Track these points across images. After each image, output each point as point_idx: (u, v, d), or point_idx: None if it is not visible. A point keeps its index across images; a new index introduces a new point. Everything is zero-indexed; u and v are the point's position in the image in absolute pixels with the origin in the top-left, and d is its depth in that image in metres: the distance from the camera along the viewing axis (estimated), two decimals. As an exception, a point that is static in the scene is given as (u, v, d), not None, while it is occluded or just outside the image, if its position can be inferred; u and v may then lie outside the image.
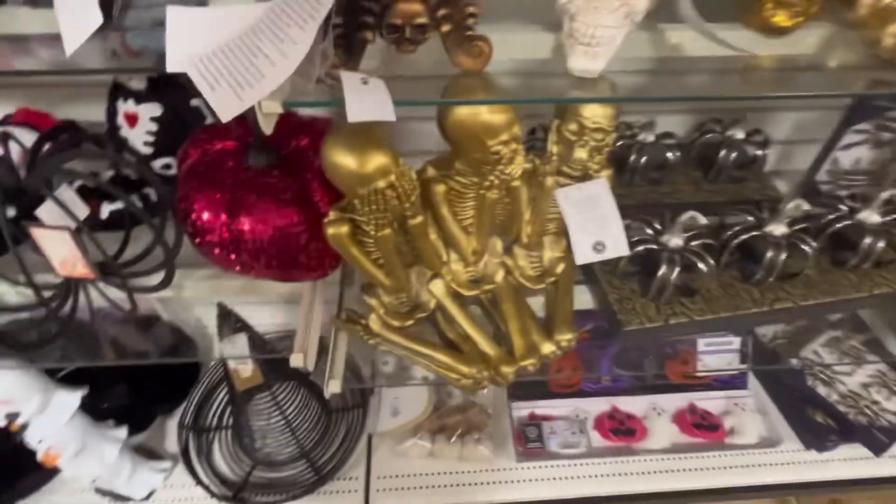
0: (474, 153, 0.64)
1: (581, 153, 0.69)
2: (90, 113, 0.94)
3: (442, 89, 0.59)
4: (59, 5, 0.52)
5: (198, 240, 0.76)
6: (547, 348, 0.81)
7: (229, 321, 1.02)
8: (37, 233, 0.72)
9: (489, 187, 0.68)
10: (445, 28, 0.51)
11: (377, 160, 0.58)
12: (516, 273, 0.88)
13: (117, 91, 0.92)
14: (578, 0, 0.54)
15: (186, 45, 0.48)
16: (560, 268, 0.89)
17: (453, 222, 0.72)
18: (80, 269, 0.77)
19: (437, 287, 0.82)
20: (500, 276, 0.85)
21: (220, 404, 1.19)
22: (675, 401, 1.18)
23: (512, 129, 0.62)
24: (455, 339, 0.83)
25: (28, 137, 0.85)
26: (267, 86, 0.47)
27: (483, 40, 0.54)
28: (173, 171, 0.93)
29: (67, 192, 0.73)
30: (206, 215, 0.75)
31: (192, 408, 1.17)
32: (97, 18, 0.50)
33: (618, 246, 0.75)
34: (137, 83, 0.90)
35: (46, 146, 0.73)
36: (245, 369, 1.08)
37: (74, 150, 0.71)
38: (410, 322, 0.84)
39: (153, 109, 0.90)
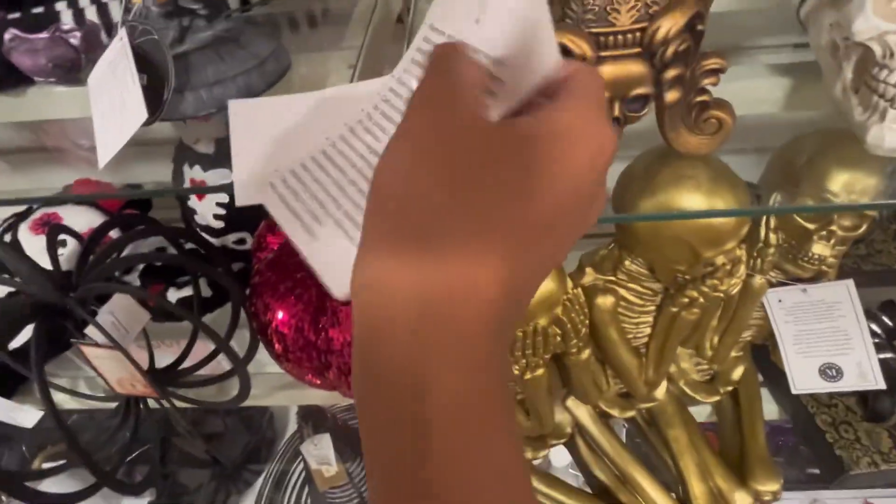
0: (676, 264, 0.43)
1: (821, 248, 0.47)
2: (157, 173, 0.81)
3: (628, 172, 0.39)
4: (94, 94, 0.36)
5: (277, 351, 0.60)
6: (743, 501, 0.58)
7: (311, 420, 0.87)
8: (88, 351, 0.58)
9: (687, 305, 0.46)
10: (673, 96, 0.31)
11: (539, 290, 0.39)
12: (679, 380, 0.66)
13: (183, 154, 0.78)
14: (892, 35, 0.32)
15: (260, 158, 0.31)
16: (738, 371, 0.66)
17: (622, 344, 0.51)
18: (140, 388, 0.62)
19: (579, 408, 0.61)
20: (661, 389, 0.63)
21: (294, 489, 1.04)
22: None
23: (740, 233, 0.40)
24: (605, 481, 0.62)
25: (85, 219, 0.73)
26: None
27: (723, 109, 0.33)
28: (248, 245, 0.78)
29: (123, 300, 0.59)
30: (286, 324, 0.58)
31: (266, 492, 1.03)
32: (139, 115, 0.33)
33: (864, 374, 0.51)
34: (205, 146, 0.75)
35: (93, 254, 0.59)
36: (329, 469, 0.92)
37: (123, 259, 0.56)
38: (542, 454, 0.63)
39: (223, 176, 0.75)
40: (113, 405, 0.69)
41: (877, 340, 0.64)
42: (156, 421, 0.72)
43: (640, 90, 0.30)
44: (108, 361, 0.59)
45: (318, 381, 0.61)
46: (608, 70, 0.29)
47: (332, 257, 0.28)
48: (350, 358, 0.60)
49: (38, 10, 0.49)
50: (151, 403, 0.69)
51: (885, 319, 0.65)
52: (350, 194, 0.29)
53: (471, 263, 0.18)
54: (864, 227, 0.46)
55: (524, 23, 0.23)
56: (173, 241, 0.67)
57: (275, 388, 0.75)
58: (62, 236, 0.65)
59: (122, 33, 0.36)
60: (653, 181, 0.39)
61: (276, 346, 0.59)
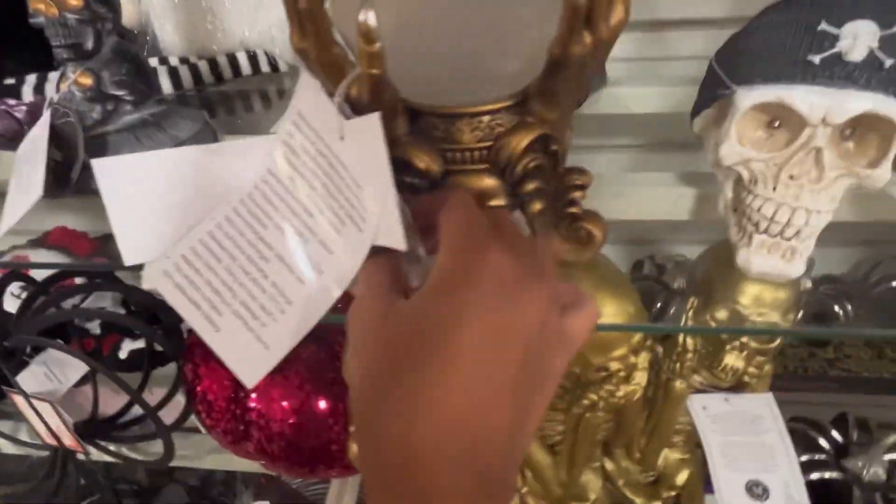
0: (571, 365, 0.42)
1: (734, 359, 0.46)
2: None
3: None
4: (17, 166, 0.38)
5: (201, 416, 0.60)
6: None
7: (253, 485, 0.84)
8: (16, 399, 0.59)
9: (589, 407, 0.45)
10: (536, 207, 0.32)
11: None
12: (618, 479, 0.63)
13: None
14: (757, 162, 0.33)
15: (149, 235, 0.31)
16: (683, 476, 0.63)
17: (534, 440, 0.50)
18: (67, 440, 0.63)
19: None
20: (596, 486, 0.61)
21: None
22: None
23: (630, 341, 0.40)
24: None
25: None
26: (298, 328, 0.29)
27: (594, 221, 0.34)
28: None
29: (58, 352, 0.60)
30: (210, 390, 0.58)
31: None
32: (37, 191, 0.35)
33: (790, 493, 0.48)
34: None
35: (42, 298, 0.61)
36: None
37: (58, 313, 0.58)
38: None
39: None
40: (46, 454, 0.69)
41: (823, 457, 0.60)
42: (85, 475, 0.71)
43: (494, 202, 0.31)
44: (39, 411, 0.60)
45: (238, 451, 0.60)
46: (461, 183, 0.30)
47: (237, 349, 0.27)
48: (267, 429, 0.59)
49: (10, 81, 0.54)
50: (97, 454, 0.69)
51: (835, 435, 0.62)
52: (244, 283, 0.29)
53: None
54: (778, 341, 0.45)
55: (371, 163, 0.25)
56: (126, 295, 0.69)
57: (213, 449, 0.74)
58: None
59: (46, 113, 0.39)
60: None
61: (201, 410, 0.59)
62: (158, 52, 0.58)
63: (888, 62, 0.28)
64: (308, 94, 0.28)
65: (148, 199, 0.30)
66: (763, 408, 0.48)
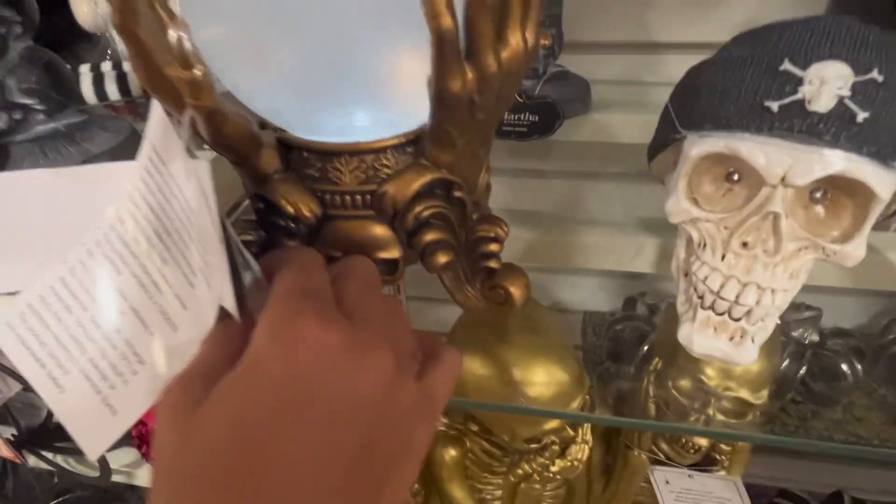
0: (501, 433, 0.37)
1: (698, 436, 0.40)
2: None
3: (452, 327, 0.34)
4: None
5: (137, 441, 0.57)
6: None
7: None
8: (-49, 408, 0.57)
9: (524, 477, 0.40)
10: (440, 260, 0.27)
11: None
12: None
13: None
14: (706, 223, 0.27)
15: None
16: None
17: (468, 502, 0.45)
18: (4, 451, 0.60)
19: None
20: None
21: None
22: None
23: (570, 407, 0.35)
24: None
25: None
26: (149, 391, 0.25)
27: (513, 279, 0.29)
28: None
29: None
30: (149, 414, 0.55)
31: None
32: None
33: (758, 593, 0.42)
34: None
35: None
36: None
37: None
38: None
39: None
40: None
41: (810, 542, 0.53)
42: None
43: (383, 254, 0.26)
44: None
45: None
46: (341, 230, 0.26)
47: (82, 414, 0.24)
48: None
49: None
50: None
51: (827, 516, 0.55)
52: (94, 338, 0.26)
53: None
54: (749, 416, 0.39)
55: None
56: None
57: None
58: None
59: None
60: (472, 342, 0.35)
61: (134, 435, 0.56)
62: (117, 55, 0.56)
63: (861, 115, 0.22)
64: (159, 125, 0.24)
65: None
66: (731, 491, 0.42)
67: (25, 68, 0.37)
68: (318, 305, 0.19)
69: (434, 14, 0.18)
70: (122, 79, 0.54)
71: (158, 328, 0.26)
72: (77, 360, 0.24)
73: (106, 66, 0.56)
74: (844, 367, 0.65)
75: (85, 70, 0.56)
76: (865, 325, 0.75)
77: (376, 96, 0.23)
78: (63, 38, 0.57)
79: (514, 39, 0.21)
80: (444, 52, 0.19)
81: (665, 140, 0.30)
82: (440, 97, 0.21)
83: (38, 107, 0.38)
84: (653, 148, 0.32)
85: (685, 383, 0.39)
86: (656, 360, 0.43)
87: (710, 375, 0.38)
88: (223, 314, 0.25)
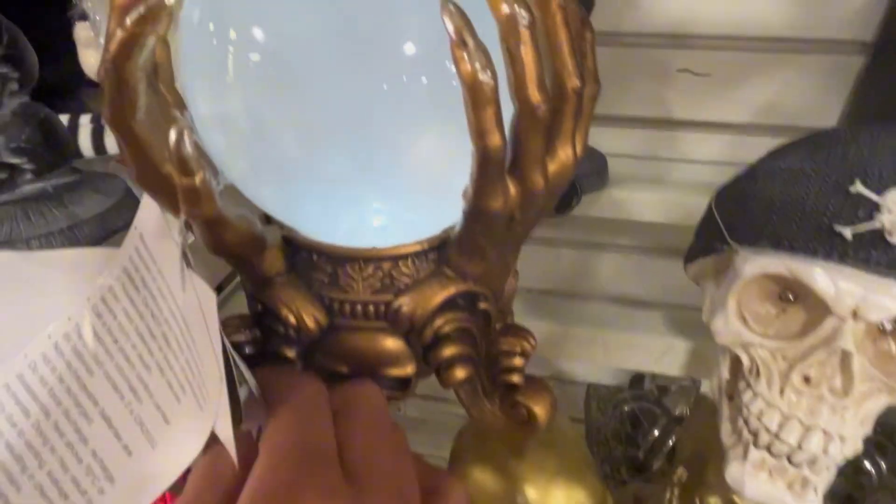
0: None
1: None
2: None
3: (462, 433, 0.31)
4: None
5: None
6: None
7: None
8: None
9: None
10: (458, 375, 0.24)
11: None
12: None
13: None
14: (760, 349, 0.24)
15: None
16: None
17: None
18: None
19: None
20: None
21: None
22: None
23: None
24: None
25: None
26: None
27: (536, 396, 0.26)
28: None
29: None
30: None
31: None
32: None
33: None
34: None
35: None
36: None
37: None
38: None
39: None
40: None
41: None
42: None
43: (395, 370, 0.23)
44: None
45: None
46: (349, 342, 0.23)
47: None
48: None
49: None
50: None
51: None
52: (55, 447, 0.22)
53: None
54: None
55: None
56: None
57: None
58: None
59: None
60: (481, 455, 0.31)
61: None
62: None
63: (950, 252, 0.19)
64: (150, 219, 0.21)
65: None
66: None
67: (18, 126, 0.35)
68: (320, 472, 0.15)
69: (481, 131, 0.15)
70: (122, 132, 0.52)
71: (133, 441, 0.23)
72: (33, 474, 0.21)
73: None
74: (867, 464, 0.61)
75: (85, 121, 0.54)
76: (883, 417, 0.72)
77: (397, 197, 0.21)
78: (68, 82, 0.56)
79: (564, 153, 0.18)
80: (488, 171, 0.17)
81: (709, 247, 0.27)
82: (476, 212, 0.18)
83: (28, 166, 0.36)
84: (692, 252, 0.29)
85: (714, 502, 0.35)
86: (681, 470, 0.39)
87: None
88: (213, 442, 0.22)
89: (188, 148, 0.16)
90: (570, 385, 0.74)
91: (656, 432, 0.64)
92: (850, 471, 0.59)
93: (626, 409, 0.71)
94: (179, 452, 0.22)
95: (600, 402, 0.74)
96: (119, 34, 0.15)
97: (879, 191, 0.21)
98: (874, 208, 0.21)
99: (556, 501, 0.30)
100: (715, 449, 0.36)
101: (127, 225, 0.39)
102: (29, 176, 0.36)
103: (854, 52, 0.51)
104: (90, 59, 0.52)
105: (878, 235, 0.20)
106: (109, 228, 0.38)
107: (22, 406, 0.21)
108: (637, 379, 0.73)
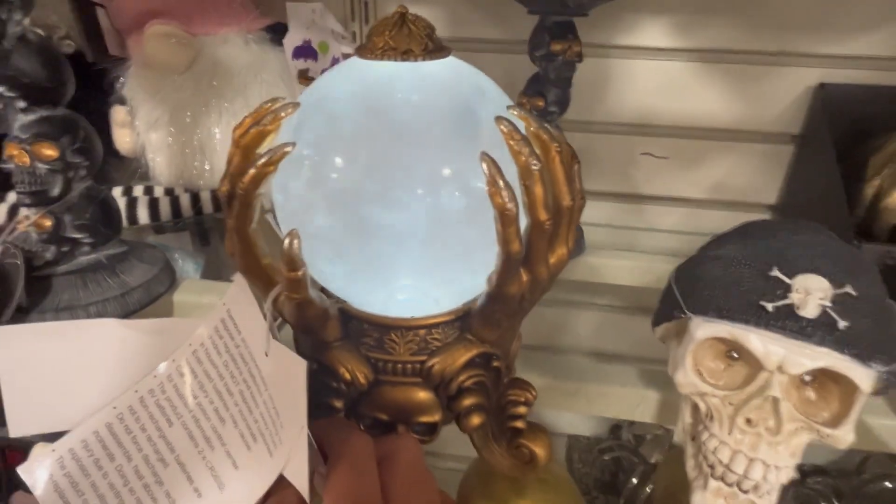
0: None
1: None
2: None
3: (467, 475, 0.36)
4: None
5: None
6: None
7: None
8: None
9: None
10: (476, 421, 0.29)
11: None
12: None
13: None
14: (713, 398, 0.31)
15: (42, 409, 0.28)
16: None
17: None
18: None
19: None
20: None
21: None
22: None
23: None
24: None
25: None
26: None
27: (537, 439, 0.31)
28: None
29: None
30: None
31: None
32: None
33: None
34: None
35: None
36: None
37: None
38: None
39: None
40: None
41: None
42: None
43: (425, 418, 0.29)
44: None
45: None
46: (389, 394, 0.28)
47: None
48: None
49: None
50: None
51: None
52: (134, 489, 0.25)
53: None
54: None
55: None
56: None
57: None
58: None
59: (-4, 251, 0.38)
60: (487, 492, 0.36)
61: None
62: (148, 178, 0.59)
63: (842, 323, 0.26)
64: (240, 296, 0.27)
65: (44, 372, 0.28)
66: None
67: (82, 206, 0.40)
68: None
69: (507, 241, 0.22)
70: (153, 204, 0.58)
71: (204, 484, 0.27)
72: None
73: (138, 191, 0.60)
74: (825, 506, 0.66)
75: (117, 193, 0.59)
76: (839, 462, 0.78)
77: (434, 284, 0.27)
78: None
79: (561, 250, 0.25)
80: (510, 267, 0.23)
81: (670, 314, 0.34)
82: (497, 295, 0.25)
83: (87, 240, 0.41)
84: (658, 317, 0.36)
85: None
86: (657, 507, 0.44)
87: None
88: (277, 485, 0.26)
89: (296, 250, 0.22)
90: (552, 436, 0.79)
91: (634, 480, 0.69)
92: (810, 513, 0.65)
93: (605, 458, 0.75)
94: (245, 494, 0.27)
95: (581, 453, 0.79)
96: (252, 171, 0.21)
97: (791, 275, 0.28)
98: (787, 289, 0.28)
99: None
100: (684, 488, 0.42)
101: (168, 291, 0.44)
102: (86, 248, 0.41)
103: (786, 141, 0.61)
104: (125, 138, 0.58)
105: (791, 309, 0.27)
106: (154, 294, 0.43)
107: (108, 451, 0.26)
108: (614, 429, 0.78)
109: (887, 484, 0.73)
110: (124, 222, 0.57)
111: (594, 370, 0.46)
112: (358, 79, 0.25)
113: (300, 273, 0.22)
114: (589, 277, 0.60)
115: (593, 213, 0.67)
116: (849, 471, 0.77)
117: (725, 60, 0.59)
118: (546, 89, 0.49)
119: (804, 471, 0.71)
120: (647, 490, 0.65)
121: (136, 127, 0.56)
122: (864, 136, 0.52)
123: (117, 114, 0.57)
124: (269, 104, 0.23)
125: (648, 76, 0.61)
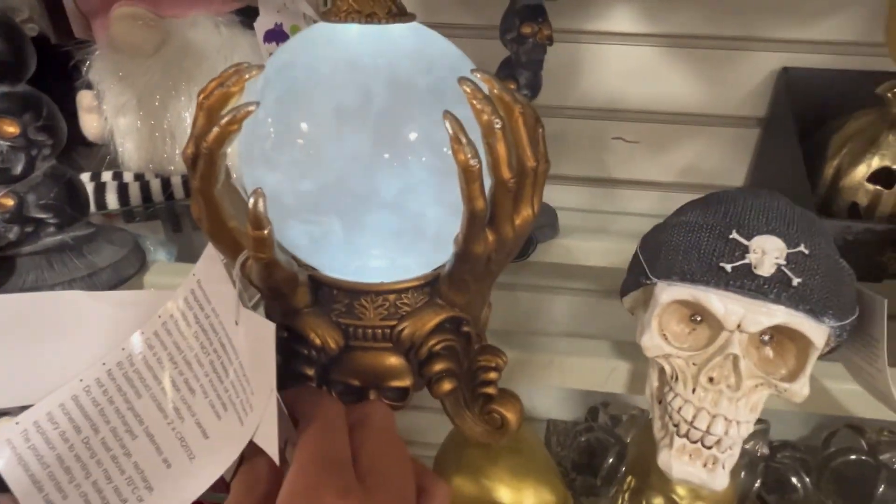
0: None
1: (673, 552, 0.41)
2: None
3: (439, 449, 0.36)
4: None
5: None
6: None
7: None
8: None
9: None
10: (446, 387, 0.30)
11: None
12: None
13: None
14: (677, 359, 0.31)
15: (9, 382, 0.28)
16: None
17: None
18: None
19: None
20: None
21: None
22: None
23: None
24: None
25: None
26: None
27: (508, 404, 0.32)
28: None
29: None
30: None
31: None
32: None
33: None
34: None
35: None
36: None
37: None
38: None
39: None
40: None
41: None
42: None
43: (396, 382, 0.29)
44: None
45: None
46: (360, 360, 0.29)
47: None
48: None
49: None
50: None
51: None
52: (101, 460, 0.25)
53: None
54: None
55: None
56: None
57: None
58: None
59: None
60: (461, 461, 0.36)
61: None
62: (117, 165, 0.58)
63: (796, 280, 0.28)
64: (211, 267, 0.27)
65: (11, 345, 0.27)
66: None
67: (47, 186, 0.39)
68: (338, 475, 0.21)
69: (471, 198, 0.22)
70: (122, 189, 0.57)
71: (174, 455, 0.27)
72: (79, 483, 0.24)
73: (107, 176, 0.59)
74: (794, 480, 0.69)
75: (85, 178, 0.58)
76: (808, 438, 0.81)
77: (402, 250, 0.27)
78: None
79: (526, 211, 0.25)
80: (475, 225, 0.23)
81: (637, 283, 0.34)
82: (464, 255, 0.25)
83: (52, 220, 0.40)
84: (625, 287, 0.37)
85: (658, 501, 0.42)
86: (630, 478, 0.45)
87: (682, 495, 0.40)
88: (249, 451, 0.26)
89: (261, 208, 0.22)
90: (531, 422, 0.80)
91: (611, 459, 0.70)
92: (779, 487, 0.67)
93: (582, 440, 0.77)
94: (215, 462, 0.27)
95: (559, 436, 0.80)
96: (215, 130, 0.21)
97: (749, 237, 0.29)
98: (745, 250, 0.29)
99: (527, 501, 0.35)
100: (654, 462, 0.43)
101: (137, 273, 0.44)
102: (51, 229, 0.41)
103: (751, 125, 0.63)
104: (93, 123, 0.57)
105: (748, 269, 0.28)
106: (122, 276, 0.42)
107: (75, 424, 0.26)
108: (592, 412, 0.80)
109: (852, 457, 0.75)
110: (92, 207, 0.56)
111: (566, 344, 0.47)
112: (323, 42, 0.25)
113: (265, 232, 0.22)
114: (563, 260, 0.61)
115: (566, 196, 0.68)
116: (816, 446, 0.80)
117: (692, 45, 0.61)
118: (517, 72, 0.50)
119: (774, 446, 0.73)
120: (623, 469, 0.66)
121: (104, 112, 0.55)
122: (826, 117, 0.54)
123: (84, 98, 0.56)
124: (234, 68, 0.23)
125: (618, 61, 0.62)
